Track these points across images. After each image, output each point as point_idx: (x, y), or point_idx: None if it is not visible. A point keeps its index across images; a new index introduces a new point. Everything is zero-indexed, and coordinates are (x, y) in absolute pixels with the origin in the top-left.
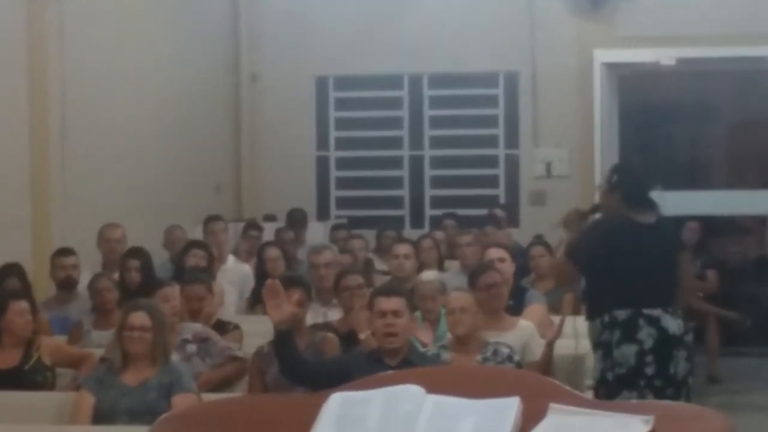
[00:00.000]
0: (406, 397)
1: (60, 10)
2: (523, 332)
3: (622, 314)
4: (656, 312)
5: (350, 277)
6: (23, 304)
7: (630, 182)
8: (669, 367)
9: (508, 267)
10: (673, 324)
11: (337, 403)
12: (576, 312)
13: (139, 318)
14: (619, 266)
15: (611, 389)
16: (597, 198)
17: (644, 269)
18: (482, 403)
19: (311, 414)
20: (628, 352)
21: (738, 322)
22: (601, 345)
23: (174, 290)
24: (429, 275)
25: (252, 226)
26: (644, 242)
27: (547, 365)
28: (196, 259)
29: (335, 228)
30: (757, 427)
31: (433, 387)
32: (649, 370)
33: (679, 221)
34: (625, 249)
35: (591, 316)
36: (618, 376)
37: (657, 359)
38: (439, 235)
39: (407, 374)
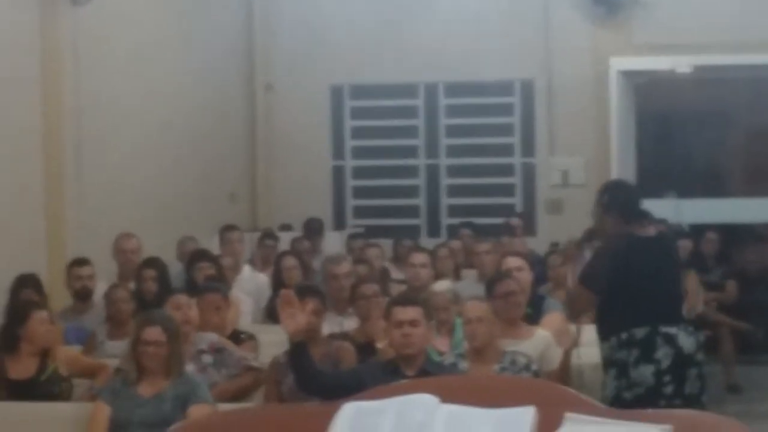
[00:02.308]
0: (420, 406)
1: (74, 24)
2: (540, 341)
3: (640, 332)
4: (672, 330)
5: (366, 285)
6: (44, 314)
7: (623, 198)
8: (685, 387)
9: (526, 276)
10: (687, 342)
11: (351, 412)
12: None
13: (154, 333)
14: (634, 284)
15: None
16: (594, 223)
17: (657, 285)
18: (497, 413)
19: (324, 423)
20: (645, 372)
21: (750, 333)
22: (616, 364)
23: (186, 299)
24: (442, 285)
25: (267, 235)
26: (653, 258)
27: (565, 374)
28: (202, 271)
29: (352, 237)
30: None
31: (448, 396)
32: (668, 390)
33: (699, 231)
34: (637, 266)
35: (605, 335)
36: (637, 396)
37: (674, 378)
38: (455, 244)
39: (421, 383)
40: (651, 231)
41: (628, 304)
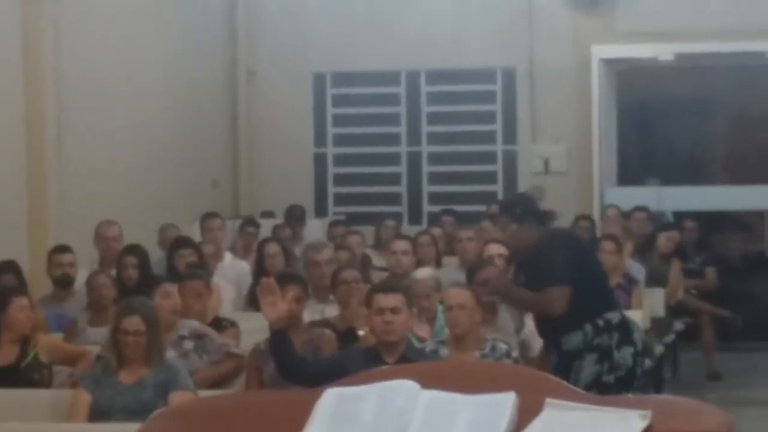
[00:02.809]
0: (401, 392)
1: (56, 11)
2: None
3: (615, 317)
4: (639, 318)
5: (347, 271)
6: (24, 300)
7: (532, 206)
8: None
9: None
10: None
11: (332, 398)
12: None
13: (133, 323)
14: (592, 273)
15: (608, 392)
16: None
17: (603, 273)
18: (478, 399)
19: (306, 410)
20: (627, 353)
21: (730, 321)
22: (596, 349)
23: (173, 287)
24: (423, 272)
25: (248, 222)
26: (590, 249)
27: (543, 360)
28: (183, 259)
29: (333, 224)
30: (755, 422)
31: (429, 382)
32: (638, 371)
33: (678, 218)
34: (586, 257)
35: (578, 324)
36: (618, 378)
37: (643, 360)
38: (437, 231)
39: (402, 370)
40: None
41: (595, 292)
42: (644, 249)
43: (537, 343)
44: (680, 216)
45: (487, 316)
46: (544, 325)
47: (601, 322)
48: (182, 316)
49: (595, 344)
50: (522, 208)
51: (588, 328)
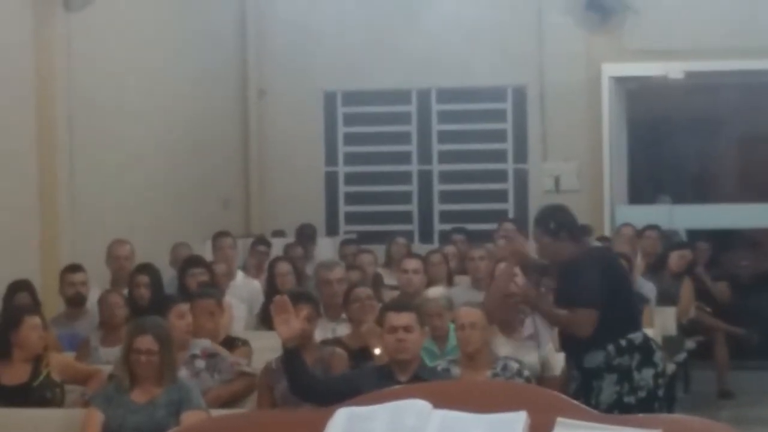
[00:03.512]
0: (412, 412)
1: (68, 26)
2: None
3: (637, 338)
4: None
5: (359, 288)
6: (36, 320)
7: (568, 220)
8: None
9: (521, 281)
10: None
11: (343, 418)
12: None
13: (146, 342)
14: (620, 293)
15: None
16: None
17: (633, 293)
18: (489, 418)
19: (318, 429)
20: (647, 375)
21: (745, 339)
22: (616, 369)
23: (186, 307)
24: (435, 291)
25: (260, 241)
26: (621, 268)
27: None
28: (194, 278)
29: (345, 243)
30: None
31: (440, 401)
32: (660, 392)
33: (690, 237)
34: (617, 276)
35: (600, 344)
36: (640, 399)
37: (665, 381)
38: (449, 250)
39: (414, 389)
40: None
41: (621, 313)
42: (656, 268)
43: (558, 362)
44: (693, 234)
45: (509, 330)
46: (568, 341)
47: (623, 343)
48: (194, 335)
49: (616, 364)
50: (556, 222)
51: (611, 348)
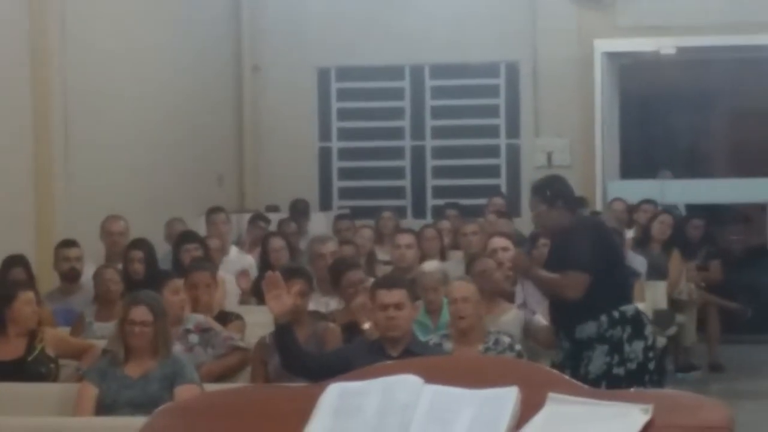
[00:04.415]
0: (404, 387)
1: (62, 6)
2: (518, 315)
3: (630, 310)
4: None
5: (352, 272)
6: (30, 295)
7: (565, 189)
8: (664, 365)
9: (512, 255)
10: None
11: (335, 393)
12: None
13: (141, 313)
14: (614, 264)
15: (619, 385)
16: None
17: (625, 266)
18: (481, 393)
19: (309, 404)
20: (637, 347)
21: (739, 313)
22: (609, 340)
23: (181, 282)
24: (431, 265)
25: (259, 217)
26: (614, 240)
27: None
28: (189, 253)
29: (339, 218)
30: (757, 414)
31: (432, 377)
32: (651, 365)
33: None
34: (610, 247)
35: (594, 314)
36: (629, 371)
37: (655, 354)
38: (443, 224)
39: (405, 364)
40: (587, 212)
41: (614, 284)
42: (642, 241)
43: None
44: (691, 209)
45: (490, 305)
46: (559, 312)
47: (616, 314)
48: (191, 308)
49: (608, 336)
50: (552, 191)
51: (603, 318)
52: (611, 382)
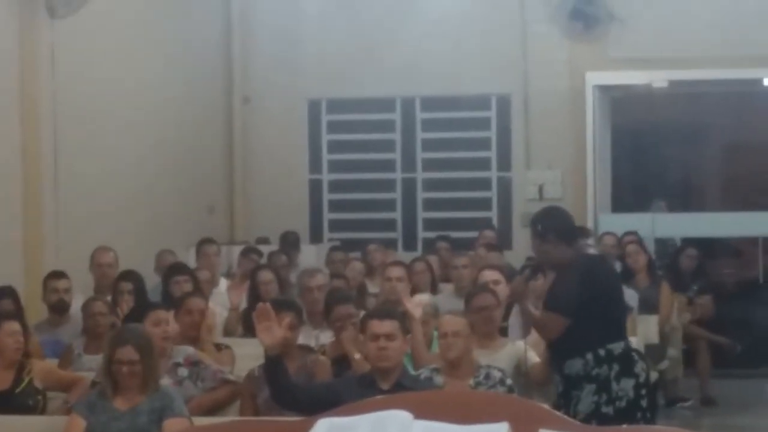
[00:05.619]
0: (393, 422)
1: (53, 38)
2: (514, 351)
3: (617, 348)
4: (633, 344)
5: (342, 306)
6: (15, 325)
7: (556, 223)
8: (655, 399)
9: (503, 289)
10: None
11: (324, 428)
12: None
13: (126, 353)
14: (604, 302)
15: (609, 423)
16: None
17: (620, 302)
18: (471, 429)
19: None
20: (627, 386)
21: (729, 348)
22: (594, 379)
23: (164, 313)
24: (421, 299)
25: (251, 250)
26: (612, 276)
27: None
28: (179, 285)
29: (333, 250)
30: None
31: (422, 412)
32: (644, 403)
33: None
34: (603, 284)
35: (579, 352)
36: (618, 410)
37: (648, 392)
38: (433, 258)
39: (395, 399)
40: (592, 246)
41: (602, 321)
42: (626, 276)
43: (536, 355)
44: (685, 242)
45: (485, 341)
46: (551, 345)
47: (602, 352)
48: (185, 336)
49: (594, 374)
50: (543, 225)
51: (589, 356)
52: (600, 422)
